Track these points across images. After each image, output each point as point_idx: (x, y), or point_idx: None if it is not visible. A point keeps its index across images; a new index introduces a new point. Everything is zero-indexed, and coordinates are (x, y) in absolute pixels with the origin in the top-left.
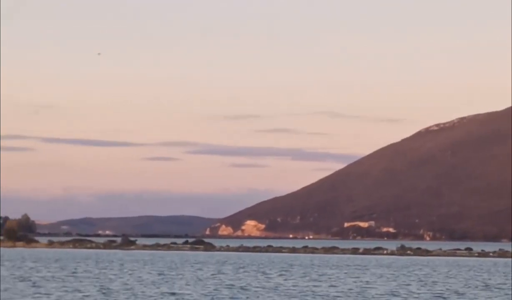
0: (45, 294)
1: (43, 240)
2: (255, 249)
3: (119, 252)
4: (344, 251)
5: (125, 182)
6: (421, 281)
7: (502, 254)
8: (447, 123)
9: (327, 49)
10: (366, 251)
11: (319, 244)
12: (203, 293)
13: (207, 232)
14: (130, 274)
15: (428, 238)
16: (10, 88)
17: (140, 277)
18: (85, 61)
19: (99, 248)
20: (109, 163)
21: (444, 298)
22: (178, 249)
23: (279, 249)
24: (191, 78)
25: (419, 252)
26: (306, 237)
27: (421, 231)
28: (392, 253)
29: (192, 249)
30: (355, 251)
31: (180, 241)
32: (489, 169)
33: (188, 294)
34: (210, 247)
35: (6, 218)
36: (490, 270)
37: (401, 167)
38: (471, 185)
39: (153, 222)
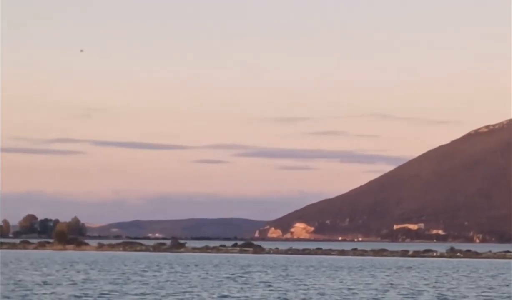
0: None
1: (93, 243)
2: (304, 252)
3: (168, 255)
4: (393, 253)
5: (175, 185)
6: (472, 284)
7: None
8: (496, 124)
9: (377, 50)
10: (416, 254)
11: (368, 246)
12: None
13: (256, 235)
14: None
15: (477, 241)
16: (62, 91)
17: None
18: (136, 64)
19: (149, 250)
20: (159, 166)
21: None
22: (227, 251)
23: (328, 252)
24: (240, 80)
25: (468, 254)
26: (355, 239)
27: (471, 234)
28: (441, 256)
29: (241, 251)
30: (404, 253)
31: (229, 243)
32: None
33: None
34: (259, 250)
35: (57, 221)
36: None
37: (450, 169)
38: None
39: (202, 225)
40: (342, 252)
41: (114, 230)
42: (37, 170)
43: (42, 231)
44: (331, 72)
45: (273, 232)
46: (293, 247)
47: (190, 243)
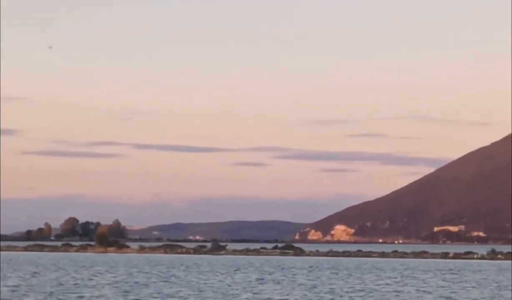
0: None
1: (134, 245)
2: (344, 254)
3: (209, 257)
4: (434, 255)
5: (215, 187)
6: None
7: None
8: None
9: (418, 51)
10: (456, 256)
11: (408, 248)
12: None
13: (297, 237)
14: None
15: None
16: (102, 95)
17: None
18: (177, 68)
19: (189, 253)
20: (200, 169)
21: None
22: (267, 254)
23: (369, 254)
24: (280, 83)
25: (510, 256)
26: (396, 242)
27: None
28: (482, 258)
29: (281, 254)
30: (445, 255)
31: (269, 246)
32: None
33: None
34: (299, 252)
35: (98, 224)
36: None
37: (491, 170)
38: None
39: (242, 227)
40: (382, 255)
41: (155, 232)
42: (79, 173)
43: (83, 234)
44: (372, 74)
45: (314, 235)
46: (334, 250)
47: (231, 246)
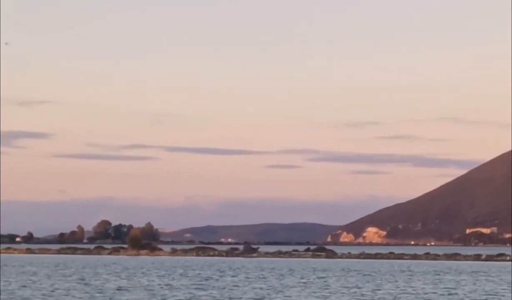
0: None
1: (167, 248)
2: (376, 256)
3: (241, 260)
4: (466, 257)
5: (247, 190)
6: None
7: None
8: None
9: (448, 52)
10: (489, 258)
11: (440, 250)
12: None
13: (328, 239)
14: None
15: None
16: (134, 98)
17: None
18: (208, 70)
19: (222, 256)
20: (231, 171)
21: None
22: (299, 256)
23: (401, 256)
24: (312, 85)
25: None
26: (428, 244)
27: None
28: None
29: (313, 256)
30: (477, 257)
31: (301, 248)
32: None
33: None
34: (331, 254)
35: (130, 227)
36: None
37: None
38: None
39: (274, 230)
40: (414, 257)
41: (187, 235)
42: (111, 176)
43: (116, 237)
44: (402, 75)
45: (345, 237)
46: (366, 252)
47: (263, 248)
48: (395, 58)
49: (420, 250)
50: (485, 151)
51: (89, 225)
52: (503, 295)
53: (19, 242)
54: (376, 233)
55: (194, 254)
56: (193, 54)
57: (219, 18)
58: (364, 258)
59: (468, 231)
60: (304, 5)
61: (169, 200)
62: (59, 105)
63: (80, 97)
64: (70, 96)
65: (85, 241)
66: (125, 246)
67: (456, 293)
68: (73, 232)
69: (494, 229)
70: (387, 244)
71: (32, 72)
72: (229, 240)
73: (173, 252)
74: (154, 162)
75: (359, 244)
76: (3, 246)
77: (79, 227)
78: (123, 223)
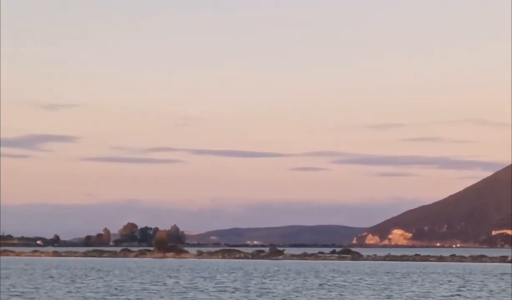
0: None
1: (193, 250)
2: (402, 258)
3: (267, 262)
4: (492, 259)
5: (273, 192)
6: None
7: None
8: None
9: (474, 54)
10: None
11: (466, 252)
12: None
13: (354, 241)
14: None
15: None
16: (159, 101)
17: None
18: (233, 72)
19: (247, 258)
20: (257, 174)
21: None
22: (325, 258)
23: (427, 258)
24: (337, 88)
25: None
26: (454, 246)
27: None
28: None
29: (339, 258)
30: (503, 259)
31: (327, 250)
32: None
33: None
34: (357, 257)
35: (156, 229)
36: None
37: None
38: None
39: (300, 232)
40: (440, 259)
41: (213, 237)
42: (136, 179)
43: (142, 239)
44: (427, 77)
45: (371, 239)
46: (391, 254)
47: (288, 250)
48: (420, 60)
49: (446, 252)
50: (510, 153)
51: (115, 228)
52: None
53: (40, 245)
54: (402, 235)
55: (220, 256)
56: (219, 57)
57: (243, 22)
58: (389, 260)
59: (494, 232)
60: (331, 6)
61: (195, 202)
62: (86, 109)
63: (107, 101)
64: (97, 99)
65: (111, 244)
66: (151, 248)
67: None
68: (99, 235)
69: None
70: (412, 246)
71: (59, 76)
72: (255, 242)
73: (199, 254)
74: (180, 164)
75: (384, 246)
76: (30, 249)
77: (105, 230)
78: (149, 225)
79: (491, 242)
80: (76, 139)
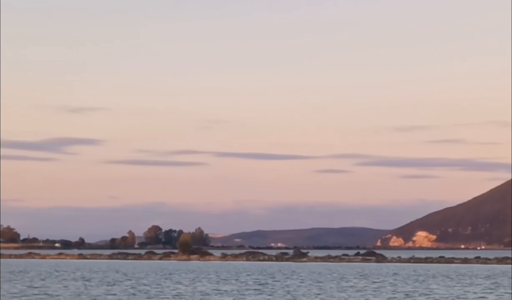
0: None
1: (217, 253)
2: (426, 260)
3: (291, 264)
4: None
5: (296, 195)
6: None
7: None
8: None
9: (496, 56)
10: None
11: (491, 254)
12: None
13: (378, 244)
14: None
15: None
16: (183, 104)
17: None
18: (257, 75)
19: (272, 260)
20: (281, 176)
21: None
22: (349, 260)
23: (451, 260)
24: (360, 90)
25: None
26: (478, 248)
27: None
28: None
29: (363, 260)
30: None
31: (351, 252)
32: None
33: None
34: (381, 259)
35: (181, 232)
36: None
37: None
38: None
39: (324, 234)
40: (465, 261)
41: (237, 240)
42: (161, 182)
43: (166, 242)
44: (451, 80)
45: (395, 241)
46: (416, 256)
47: (312, 253)
48: (444, 62)
49: (471, 254)
50: None
51: (140, 231)
52: None
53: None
54: (426, 237)
55: (244, 259)
56: (242, 61)
57: (268, 26)
58: (414, 262)
59: None
60: (354, 9)
61: (219, 205)
62: (110, 112)
63: (132, 104)
64: (122, 103)
65: (136, 246)
66: (176, 251)
67: None
68: (124, 238)
69: None
70: (437, 248)
71: (84, 80)
72: (279, 244)
73: (223, 257)
74: (203, 167)
75: (409, 248)
76: (55, 251)
77: (130, 232)
78: (173, 228)
79: None
80: (101, 142)
